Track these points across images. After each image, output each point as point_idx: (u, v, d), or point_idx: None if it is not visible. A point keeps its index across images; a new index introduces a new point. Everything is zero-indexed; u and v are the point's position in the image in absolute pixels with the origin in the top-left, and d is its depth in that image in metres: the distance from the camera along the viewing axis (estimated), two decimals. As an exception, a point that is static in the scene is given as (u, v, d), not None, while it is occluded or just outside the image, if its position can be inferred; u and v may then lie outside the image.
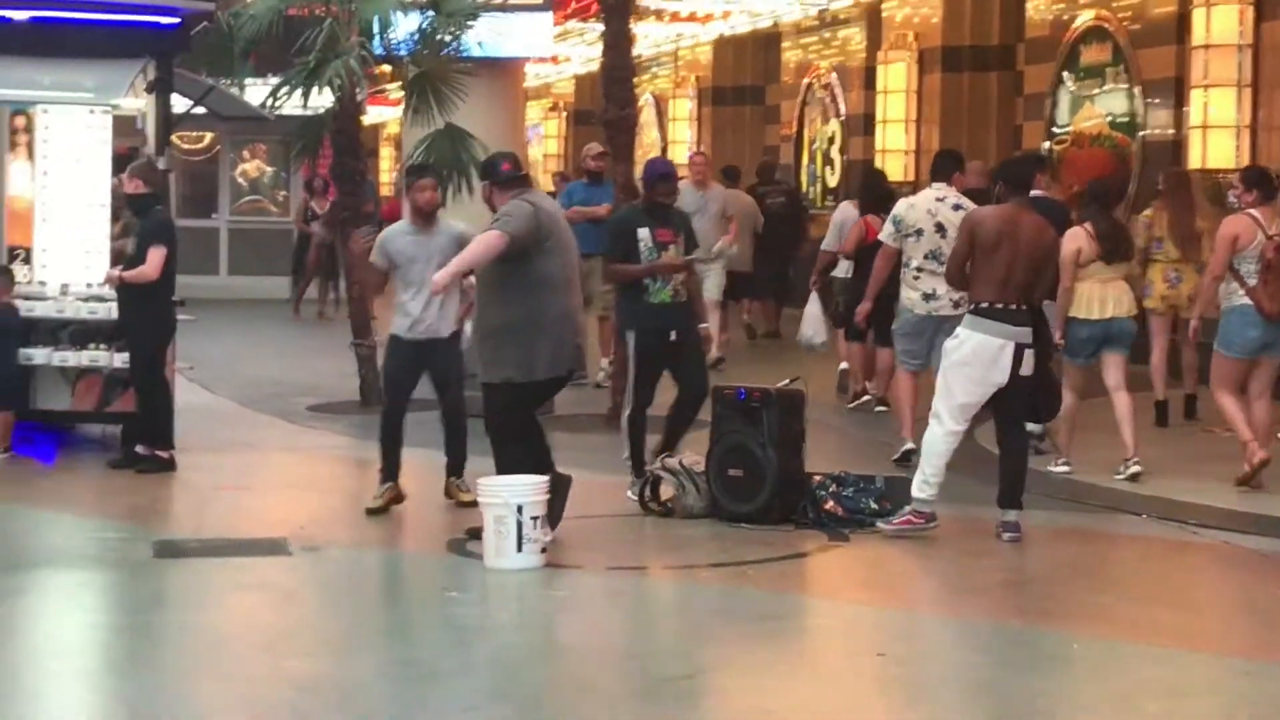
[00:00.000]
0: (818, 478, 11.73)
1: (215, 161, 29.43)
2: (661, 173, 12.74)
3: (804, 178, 27.70)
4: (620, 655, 8.99)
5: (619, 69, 16.21)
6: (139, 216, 13.66)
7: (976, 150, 20.32)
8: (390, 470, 11.88)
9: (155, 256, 13.23)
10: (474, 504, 10.97)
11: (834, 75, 27.29)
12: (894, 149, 24.74)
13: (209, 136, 28.68)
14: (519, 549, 10.15)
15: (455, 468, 12.01)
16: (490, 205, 11.08)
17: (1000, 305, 10.86)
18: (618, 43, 16.18)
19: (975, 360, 10.92)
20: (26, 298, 14.26)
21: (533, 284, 10.68)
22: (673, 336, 12.01)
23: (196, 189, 27.88)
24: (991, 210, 11.46)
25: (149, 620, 9.34)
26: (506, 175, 11.15)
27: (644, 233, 12.07)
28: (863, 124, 26.10)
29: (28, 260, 14.62)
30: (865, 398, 16.39)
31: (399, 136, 28.61)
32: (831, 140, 27.36)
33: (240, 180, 29.91)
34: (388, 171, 30.99)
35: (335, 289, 25.59)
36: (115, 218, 14.55)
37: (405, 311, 11.94)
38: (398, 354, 12.09)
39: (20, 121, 14.62)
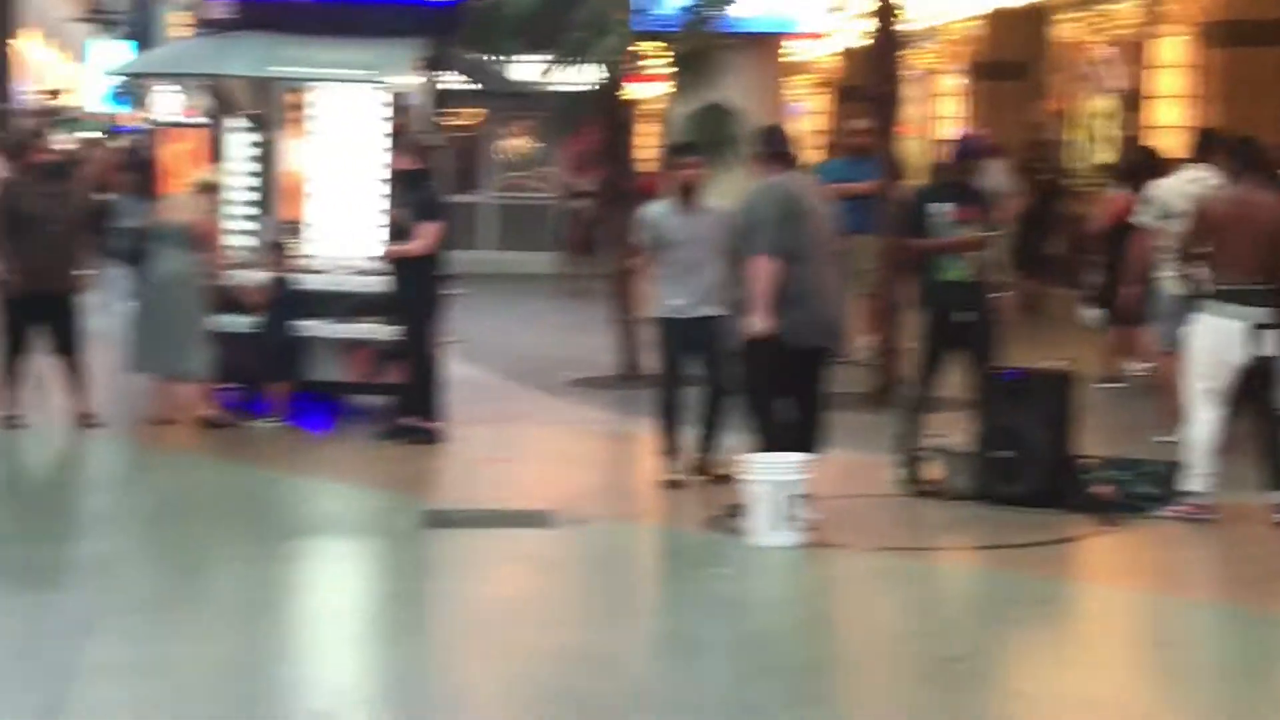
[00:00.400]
0: (1088, 460, 11.55)
1: (481, 138, 29.69)
2: (969, 149, 12.61)
3: (1073, 155, 27.23)
4: (888, 636, 8.96)
5: (886, 43, 16.07)
6: (410, 192, 13.86)
7: (1256, 128, 19.80)
8: (673, 448, 11.93)
9: (428, 231, 13.42)
10: (728, 480, 11.07)
11: (1106, 50, 26.80)
12: (1167, 125, 24.22)
13: (474, 113, 28.93)
14: (783, 526, 10.16)
15: (711, 445, 12.00)
16: (755, 172, 11.13)
17: (1236, 287, 10.65)
18: (885, 17, 16.05)
19: (1212, 343, 10.73)
20: (301, 271, 14.55)
21: (781, 260, 10.67)
22: (961, 316, 11.86)
23: (463, 165, 28.15)
24: (1224, 192, 11.25)
25: (417, 588, 9.54)
26: (768, 151, 11.19)
27: (939, 208, 11.96)
28: (1135, 100, 25.59)
29: (303, 234, 14.92)
30: (1124, 380, 16.09)
31: (660, 113, 28.69)
32: (1102, 116, 26.88)
33: (506, 156, 30.15)
34: (648, 148, 30.98)
35: (597, 265, 25.69)
36: (390, 193, 14.80)
37: (671, 291, 11.99)
38: (667, 335, 12.11)
39: (297, 98, 14.89)
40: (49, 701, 7.16)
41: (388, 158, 14.55)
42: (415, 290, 13.67)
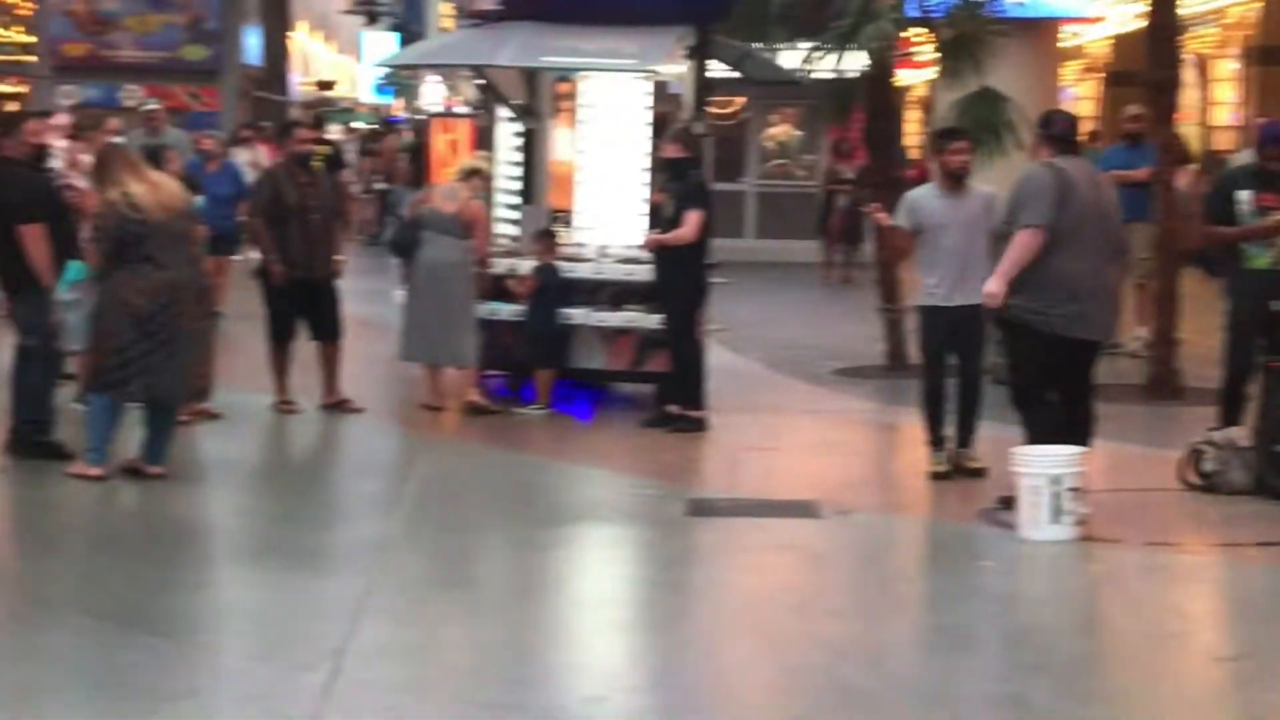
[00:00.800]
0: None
1: (744, 126, 29.69)
2: (1273, 136, 12.31)
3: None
4: (1161, 633, 8.73)
5: (1163, 28, 15.74)
6: (676, 180, 13.89)
7: None
8: (938, 440, 11.82)
9: (693, 219, 13.42)
10: (982, 473, 11.07)
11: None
12: None
13: (738, 102, 28.94)
14: (1054, 520, 10.00)
15: (965, 438, 11.83)
16: (1035, 154, 10.98)
17: None
18: (1164, 1, 15.73)
19: None
20: (567, 259, 14.65)
21: (1052, 245, 10.41)
22: (1274, 306, 11.52)
23: (725, 153, 28.17)
24: None
25: (682, 576, 9.52)
26: (1048, 133, 10.95)
27: (1244, 195, 11.72)
28: None
29: (568, 223, 15.03)
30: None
31: (927, 99, 28.46)
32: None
33: (768, 144, 30.14)
34: (915, 135, 30.84)
35: (860, 253, 25.62)
36: (654, 181, 14.85)
37: (934, 278, 11.86)
38: (930, 323, 11.99)
39: (564, 88, 15.00)
40: (323, 680, 7.27)
41: (652, 146, 14.62)
42: (679, 278, 13.69)
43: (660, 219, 13.89)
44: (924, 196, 12.06)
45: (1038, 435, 10.48)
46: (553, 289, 14.22)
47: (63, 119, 15.66)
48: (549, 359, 14.33)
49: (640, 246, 14.11)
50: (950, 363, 11.98)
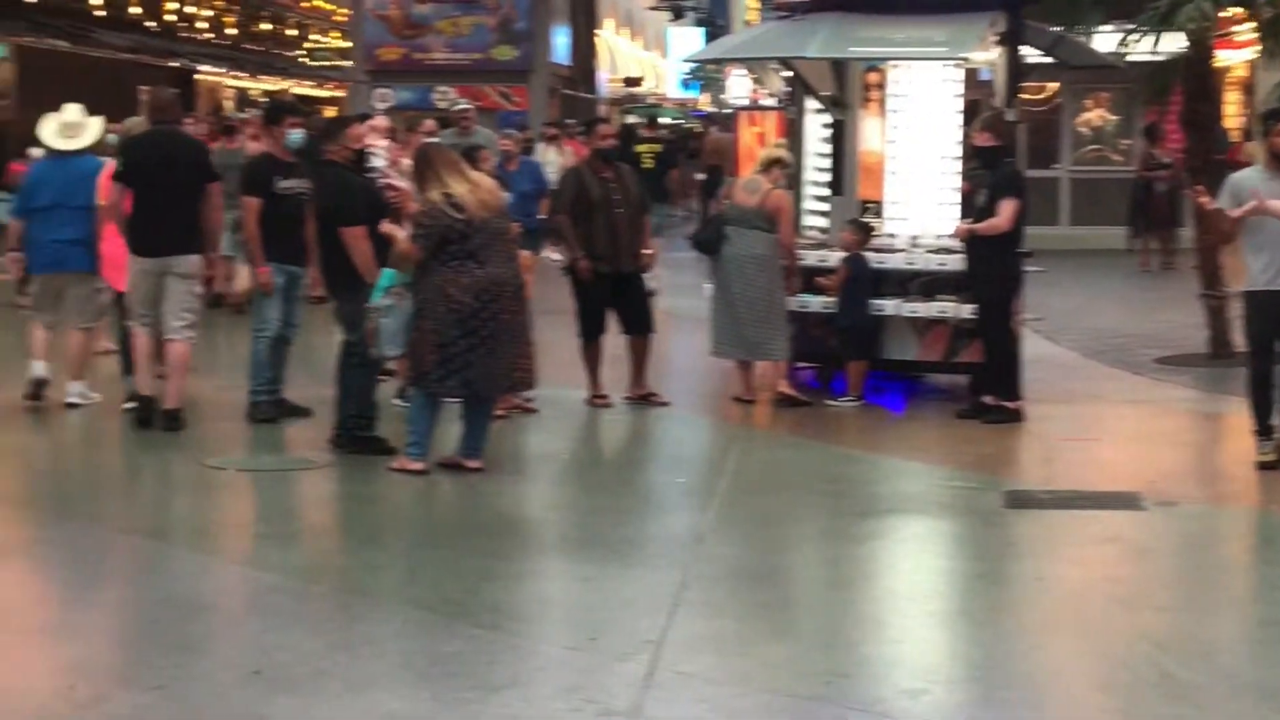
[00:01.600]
0: None
1: (1057, 111, 29.31)
2: None
3: None
4: None
5: None
6: (988, 169, 13.74)
7: None
8: (1265, 429, 11.48)
9: (1007, 208, 13.25)
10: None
11: None
12: None
13: (1050, 87, 28.58)
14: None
15: (1264, 429, 11.45)
16: None
17: None
18: None
19: None
20: (878, 250, 14.57)
21: None
22: None
23: (1038, 140, 27.84)
24: None
25: (1002, 569, 9.40)
26: None
27: None
28: None
29: (879, 213, 14.95)
30: None
31: (1246, 80, 27.78)
32: None
33: (1082, 130, 29.71)
34: (1235, 117, 30.16)
35: (1178, 238, 25.22)
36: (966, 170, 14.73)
37: (1261, 262, 11.52)
38: (1256, 309, 11.67)
39: (873, 78, 14.93)
40: (642, 671, 7.33)
41: (963, 135, 14.49)
42: (992, 268, 13.53)
43: (972, 208, 13.77)
44: (1250, 178, 11.71)
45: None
46: (863, 280, 14.15)
47: (382, 121, 16.03)
48: (860, 351, 14.27)
49: (952, 236, 14.00)
50: (1278, 349, 11.67)
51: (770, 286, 14.03)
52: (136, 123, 15.10)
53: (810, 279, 14.57)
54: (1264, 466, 11.34)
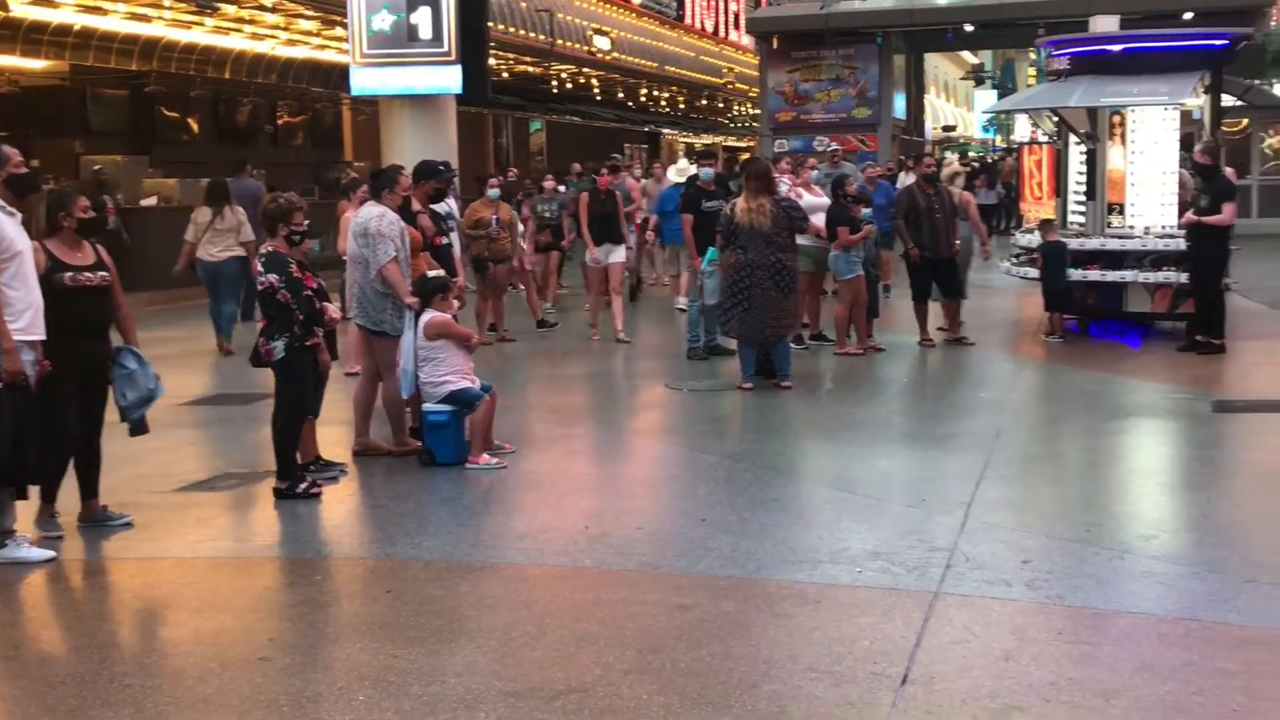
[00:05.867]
0: None
1: (1248, 138, 27.93)
2: None
3: None
4: None
5: None
6: (1206, 180, 13.18)
7: None
8: None
9: (1229, 208, 12.87)
10: None
11: None
12: None
13: (1244, 122, 27.19)
14: None
15: None
16: None
17: None
18: None
19: None
20: (1121, 237, 14.18)
21: None
22: None
23: (1234, 158, 26.58)
24: None
25: (1211, 455, 9.01)
26: None
27: None
28: None
29: (1121, 211, 14.45)
30: None
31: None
32: None
33: (1267, 150, 28.28)
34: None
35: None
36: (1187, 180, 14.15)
37: None
38: None
39: (1116, 119, 14.40)
40: (958, 522, 7.23)
41: (1179, 158, 13.99)
42: (1211, 248, 13.03)
43: (1195, 207, 13.20)
44: None
45: None
46: (1061, 253, 14.10)
47: (785, 164, 16.11)
48: (1059, 305, 14.35)
49: (1181, 226, 13.51)
50: None
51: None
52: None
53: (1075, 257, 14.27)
54: None
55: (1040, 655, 5.22)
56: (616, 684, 5.01)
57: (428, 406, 9.06)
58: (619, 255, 15.21)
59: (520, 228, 16.34)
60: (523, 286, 17.34)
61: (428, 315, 9.10)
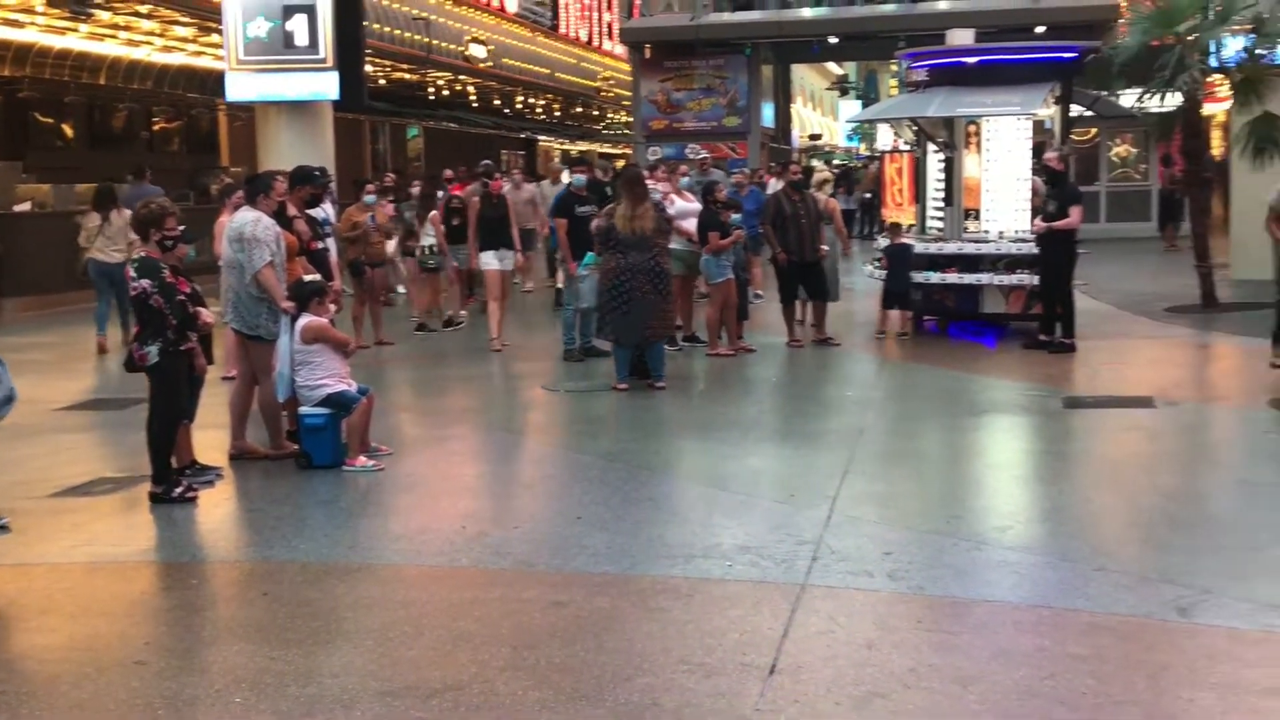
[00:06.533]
0: None
1: (1096, 147, 28.69)
2: None
3: None
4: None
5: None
6: (1054, 186, 13.49)
7: None
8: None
9: (1076, 212, 13.15)
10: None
11: None
12: None
13: (1092, 131, 27.91)
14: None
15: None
16: None
17: None
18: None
19: None
20: (977, 241, 14.45)
21: None
22: None
23: (1084, 166, 27.28)
24: None
25: (1062, 448, 9.22)
26: None
27: None
28: None
29: (977, 217, 14.73)
30: None
31: (1225, 123, 26.79)
32: None
33: (1114, 159, 29.06)
34: (1217, 149, 29.35)
35: (1177, 229, 24.78)
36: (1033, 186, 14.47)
37: None
38: None
39: (972, 128, 14.68)
40: (824, 515, 7.30)
41: (1031, 166, 14.27)
42: (1059, 251, 13.32)
43: (1044, 212, 13.51)
44: None
45: None
46: (899, 259, 14.55)
47: (661, 171, 16.21)
48: (900, 304, 14.74)
49: (1031, 232, 13.81)
50: None
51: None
52: None
53: (933, 260, 14.51)
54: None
55: (901, 644, 5.30)
56: (492, 681, 4.99)
57: (304, 410, 8.94)
58: (509, 261, 14.98)
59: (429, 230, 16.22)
60: (402, 289, 17.21)
61: (304, 319, 8.98)
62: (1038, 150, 14.73)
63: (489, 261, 14.63)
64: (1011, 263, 14.16)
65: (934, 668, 5.01)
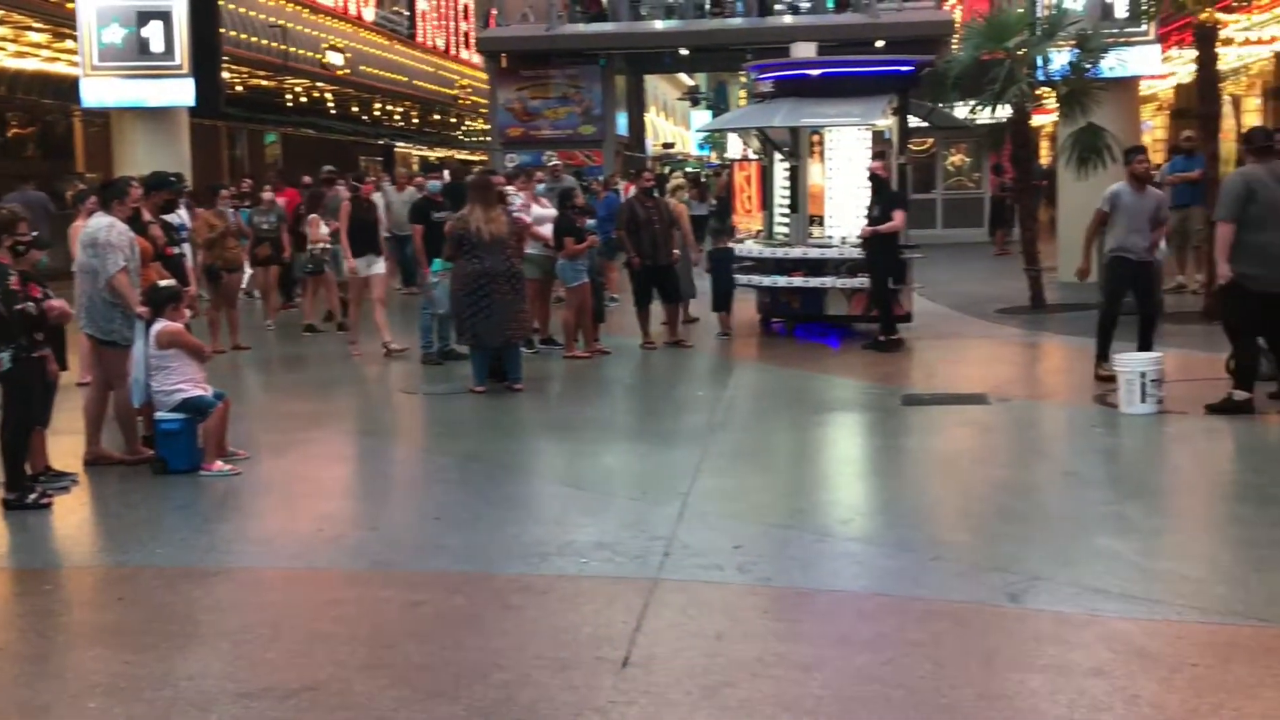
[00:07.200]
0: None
1: (933, 156, 29.28)
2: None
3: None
4: (1215, 470, 8.43)
5: (1207, 80, 15.07)
6: (877, 191, 13.76)
7: None
8: (1104, 353, 11.06)
9: (899, 216, 13.35)
10: (1111, 378, 10.47)
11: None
12: None
13: (929, 141, 28.50)
14: (1142, 400, 9.68)
15: (1104, 355, 11.17)
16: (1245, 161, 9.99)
17: None
18: (1206, 62, 15.03)
19: None
20: (821, 246, 14.64)
21: (1246, 225, 9.42)
22: None
23: (921, 174, 27.81)
24: None
25: (900, 444, 9.37)
26: (1247, 146, 10.10)
27: None
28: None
29: (821, 223, 14.96)
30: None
31: (1052, 133, 27.61)
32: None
33: (949, 167, 29.71)
34: (1044, 157, 30.20)
35: (1008, 234, 25.37)
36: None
37: (1121, 243, 11.05)
38: (1117, 271, 11.18)
39: (815, 138, 14.90)
40: (676, 511, 7.34)
41: (869, 174, 14.51)
42: (884, 255, 13.61)
43: (869, 217, 13.78)
44: (1122, 190, 11.17)
45: (1239, 357, 9.70)
46: (729, 259, 14.97)
47: (520, 181, 16.13)
48: (725, 306, 15.08)
49: (859, 236, 14.02)
50: (1129, 300, 11.18)
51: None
52: None
53: (779, 265, 14.69)
54: (1099, 379, 10.99)
55: (749, 634, 5.36)
56: (349, 680, 4.92)
57: (160, 414, 8.71)
58: (379, 266, 14.59)
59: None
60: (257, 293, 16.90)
61: (159, 325, 8.76)
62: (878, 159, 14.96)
63: (355, 268, 14.37)
64: (853, 266, 14.37)
65: (780, 656, 5.08)
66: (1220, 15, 15.07)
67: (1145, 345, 10.89)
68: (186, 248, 12.13)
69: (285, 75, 31.22)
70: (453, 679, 4.90)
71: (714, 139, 55.49)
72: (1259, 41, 25.19)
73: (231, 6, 27.74)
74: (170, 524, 7.50)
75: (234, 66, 27.71)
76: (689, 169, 50.61)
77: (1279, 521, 6.86)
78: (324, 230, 16.07)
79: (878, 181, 13.72)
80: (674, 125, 60.23)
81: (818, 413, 10.60)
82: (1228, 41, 23.20)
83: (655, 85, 49.83)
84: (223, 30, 26.40)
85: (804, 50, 16.33)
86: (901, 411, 10.44)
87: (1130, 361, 9.84)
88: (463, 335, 11.89)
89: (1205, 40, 15.05)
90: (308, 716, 4.62)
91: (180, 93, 20.45)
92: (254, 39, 28.62)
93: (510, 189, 14.29)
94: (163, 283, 9.15)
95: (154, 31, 20.17)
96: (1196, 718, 4.41)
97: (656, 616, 5.57)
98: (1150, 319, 11.24)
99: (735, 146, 43.61)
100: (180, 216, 12.20)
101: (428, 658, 5.13)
